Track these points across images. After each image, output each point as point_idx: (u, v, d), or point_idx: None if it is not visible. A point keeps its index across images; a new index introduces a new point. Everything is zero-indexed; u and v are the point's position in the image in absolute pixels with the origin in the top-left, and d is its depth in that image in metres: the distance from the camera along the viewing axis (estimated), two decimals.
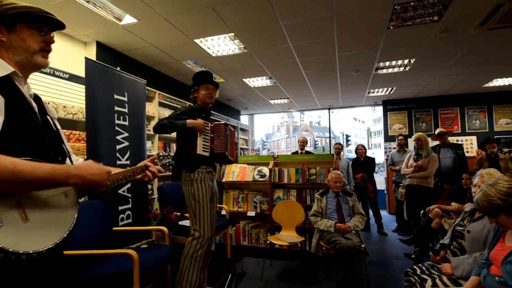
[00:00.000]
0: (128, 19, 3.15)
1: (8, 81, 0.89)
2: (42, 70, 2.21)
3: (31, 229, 0.86)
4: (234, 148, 2.63)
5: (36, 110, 0.99)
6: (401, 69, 4.98)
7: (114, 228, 2.43)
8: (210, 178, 2.39)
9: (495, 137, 4.94)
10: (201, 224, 2.27)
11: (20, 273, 0.86)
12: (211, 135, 2.39)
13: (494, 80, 5.74)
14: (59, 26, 1.05)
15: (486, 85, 6.07)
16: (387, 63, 4.74)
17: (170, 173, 3.90)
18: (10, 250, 0.79)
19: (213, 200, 2.47)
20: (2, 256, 0.78)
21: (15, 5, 0.94)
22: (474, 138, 6.76)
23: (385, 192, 6.85)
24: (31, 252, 0.83)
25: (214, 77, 5.19)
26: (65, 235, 0.93)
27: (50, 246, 0.88)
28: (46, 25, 1.01)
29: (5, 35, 0.94)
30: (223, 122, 2.48)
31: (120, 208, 3.02)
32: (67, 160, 1.06)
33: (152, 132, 2.72)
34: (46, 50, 1.01)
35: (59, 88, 3.04)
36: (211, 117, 2.57)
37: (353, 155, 5.67)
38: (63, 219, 0.95)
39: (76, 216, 0.98)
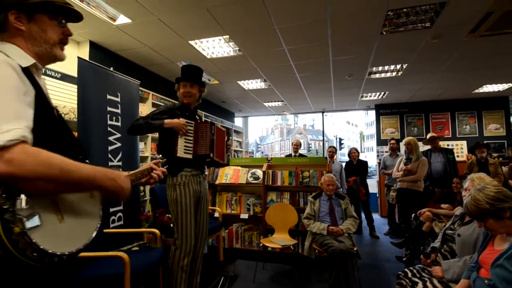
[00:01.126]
0: (122, 19, 3.13)
1: (28, 73, 0.85)
2: None
3: (65, 230, 0.84)
4: (224, 150, 2.45)
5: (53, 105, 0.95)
6: (394, 74, 5.05)
7: (105, 230, 2.40)
8: (196, 182, 2.24)
9: (485, 142, 5.03)
10: (183, 233, 2.13)
11: (40, 273, 0.83)
12: (195, 135, 2.21)
13: (484, 86, 5.86)
14: (77, 18, 1.02)
15: (476, 90, 6.19)
16: (380, 68, 4.81)
17: None
18: (50, 251, 0.75)
19: (202, 204, 2.34)
20: (37, 258, 0.74)
21: None
22: (464, 142, 6.88)
23: (377, 195, 6.92)
24: (66, 253, 0.81)
25: (205, 75, 5.12)
26: (92, 236, 0.92)
27: (81, 247, 0.87)
28: (65, 17, 0.98)
29: (25, 24, 0.90)
30: (209, 121, 2.30)
31: (112, 210, 2.98)
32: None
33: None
34: (64, 42, 0.99)
35: (51, 88, 2.99)
36: (206, 119, 2.47)
37: (346, 159, 5.71)
38: (89, 221, 0.94)
39: (100, 218, 0.98)
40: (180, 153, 2.14)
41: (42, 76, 0.98)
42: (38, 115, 0.82)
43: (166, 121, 2.09)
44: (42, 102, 0.87)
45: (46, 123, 0.86)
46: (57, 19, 0.96)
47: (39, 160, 0.74)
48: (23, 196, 0.73)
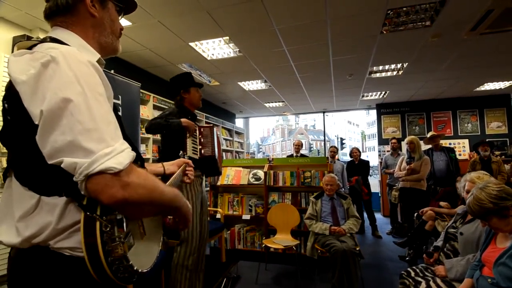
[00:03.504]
0: (123, 22, 3.13)
1: None
2: None
3: (145, 247, 0.79)
4: (220, 153, 2.55)
5: None
6: (394, 73, 5.05)
7: None
8: (199, 183, 2.32)
9: (488, 140, 5.01)
10: (189, 232, 2.19)
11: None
12: (199, 137, 2.32)
13: (485, 84, 5.84)
14: (130, 10, 0.95)
15: (478, 89, 6.17)
16: (381, 67, 4.80)
17: None
18: (139, 271, 0.70)
19: (204, 205, 2.42)
20: (127, 278, 0.68)
21: None
22: (466, 141, 6.86)
23: (380, 194, 6.90)
24: (145, 271, 0.74)
25: (206, 77, 5.18)
26: (159, 250, 0.87)
27: (155, 261, 0.81)
28: (123, 10, 0.92)
29: (99, 11, 0.81)
30: (211, 124, 2.45)
31: None
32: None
33: (146, 135, 2.67)
34: (120, 36, 0.91)
35: None
36: (207, 120, 2.55)
37: (348, 158, 5.71)
38: (159, 234, 0.90)
39: (162, 233, 0.95)
40: (190, 153, 2.22)
41: None
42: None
43: (183, 120, 2.15)
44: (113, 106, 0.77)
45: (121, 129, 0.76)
46: (119, 11, 0.90)
47: (148, 184, 0.68)
48: (121, 217, 0.67)
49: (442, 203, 3.31)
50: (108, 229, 0.63)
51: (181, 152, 1.43)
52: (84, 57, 0.68)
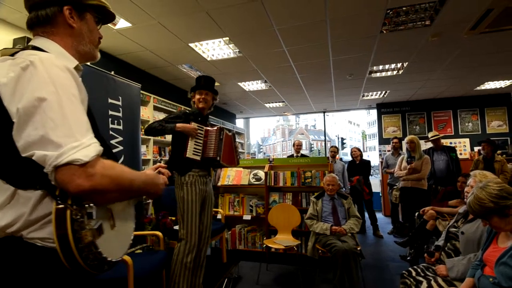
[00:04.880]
0: (123, 23, 3.15)
1: None
2: None
3: (116, 236, 0.84)
4: (234, 153, 2.60)
5: None
6: (394, 72, 5.04)
7: None
8: (202, 182, 2.36)
9: (490, 139, 4.97)
10: (188, 229, 2.24)
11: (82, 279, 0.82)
12: (204, 139, 2.38)
13: (486, 83, 5.84)
14: (109, 21, 1.02)
15: (478, 88, 6.16)
16: (381, 67, 4.80)
17: None
18: (108, 259, 0.75)
19: (207, 205, 2.45)
20: (96, 266, 0.73)
21: None
22: (467, 140, 6.85)
23: (380, 194, 6.89)
24: (115, 260, 0.79)
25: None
26: (131, 239, 0.93)
27: (127, 251, 0.87)
28: (102, 20, 0.99)
29: (77, 22, 0.89)
30: (218, 126, 2.46)
31: None
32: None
33: (147, 137, 2.72)
34: (99, 44, 0.99)
35: None
36: (212, 122, 2.57)
37: (349, 158, 5.70)
38: (130, 224, 0.95)
39: (134, 223, 0.99)
40: (189, 154, 2.28)
41: None
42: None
43: (178, 125, 2.25)
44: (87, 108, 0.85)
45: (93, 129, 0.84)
46: (98, 22, 0.97)
47: (115, 173, 0.75)
48: (93, 206, 0.73)
49: (451, 202, 3.30)
50: (78, 217, 0.69)
51: (159, 158, 1.52)
52: (61, 63, 0.74)
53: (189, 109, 2.55)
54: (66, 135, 0.67)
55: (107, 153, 0.91)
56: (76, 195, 0.68)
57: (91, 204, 0.72)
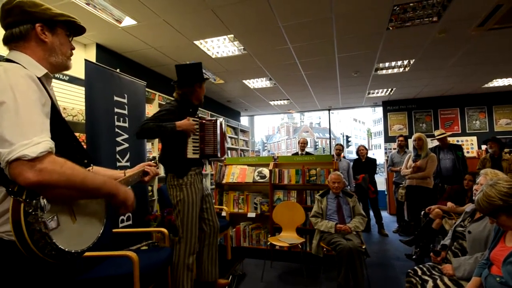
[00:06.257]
0: (128, 21, 3.16)
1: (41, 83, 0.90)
2: None
3: (77, 230, 0.92)
4: (224, 143, 2.48)
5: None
6: (401, 69, 4.99)
7: (114, 230, 2.42)
8: (199, 180, 2.28)
9: (497, 137, 4.89)
10: (188, 231, 2.17)
11: (51, 270, 0.90)
12: (201, 134, 2.24)
13: (494, 80, 5.75)
14: (79, 33, 1.12)
15: (486, 85, 6.07)
16: (387, 64, 4.75)
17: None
18: (66, 250, 0.83)
19: (207, 202, 2.41)
20: (54, 255, 0.81)
21: (62, 13, 1.02)
22: (474, 138, 6.76)
23: (386, 193, 6.85)
24: (79, 251, 0.89)
25: (211, 75, 5.20)
26: (99, 235, 1.00)
27: (90, 245, 0.94)
28: (73, 33, 1.10)
29: (49, 37, 0.99)
30: (213, 119, 2.33)
31: None
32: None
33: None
34: (71, 55, 1.09)
35: (59, 90, 3.05)
36: (212, 118, 2.48)
37: (354, 156, 5.67)
38: (96, 220, 1.01)
39: (105, 217, 1.05)
40: (190, 154, 2.17)
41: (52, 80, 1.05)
42: (52, 124, 0.87)
43: (178, 124, 2.07)
44: (54, 111, 0.92)
45: (58, 130, 0.92)
46: (69, 35, 1.07)
47: (65, 170, 0.82)
48: (44, 200, 0.80)
49: (448, 204, 3.27)
50: (31, 210, 0.77)
51: (151, 156, 1.56)
52: (23, 71, 0.84)
53: (173, 101, 2.29)
54: (18, 134, 0.75)
55: (84, 155, 1.04)
56: (26, 187, 0.76)
57: (44, 199, 0.80)
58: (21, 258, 0.80)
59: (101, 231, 1.02)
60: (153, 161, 1.44)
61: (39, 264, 0.85)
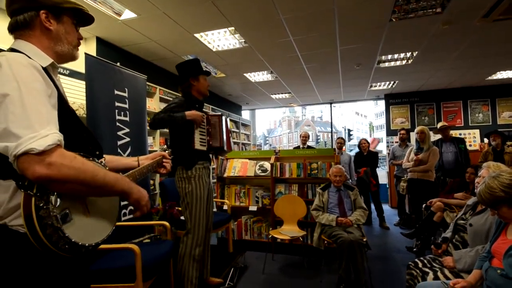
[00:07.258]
0: (128, 14, 3.13)
1: (46, 73, 0.86)
2: None
3: (91, 224, 0.90)
4: (230, 138, 2.54)
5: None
6: (404, 62, 4.94)
7: (117, 223, 2.44)
8: (207, 174, 2.33)
9: (499, 130, 4.85)
10: (195, 223, 2.23)
11: (67, 263, 0.89)
12: (207, 127, 2.30)
13: (498, 72, 5.68)
14: (88, 23, 1.07)
15: (490, 78, 6.01)
16: (389, 56, 4.70)
17: None
18: (80, 244, 0.81)
19: (210, 197, 2.44)
20: (68, 249, 0.80)
21: None
22: (477, 131, 6.72)
23: (387, 186, 6.85)
24: (93, 244, 0.87)
25: (212, 68, 5.19)
26: (113, 228, 1.00)
27: (105, 238, 0.93)
28: (80, 22, 1.05)
29: (54, 25, 0.94)
30: (219, 113, 2.40)
31: (123, 203, 3.03)
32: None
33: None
34: (79, 45, 1.05)
35: None
36: (214, 112, 2.52)
37: (356, 150, 5.66)
38: (110, 214, 1.01)
39: (117, 213, 1.05)
40: (197, 145, 2.21)
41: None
42: (60, 115, 0.84)
43: (187, 113, 2.12)
44: (62, 102, 0.89)
45: (67, 122, 0.88)
46: (76, 24, 1.02)
47: (75, 164, 0.79)
48: (55, 194, 0.79)
49: (457, 195, 3.27)
50: (42, 204, 0.75)
51: (165, 146, 1.53)
52: (28, 61, 0.81)
53: (179, 95, 2.35)
54: (24, 127, 0.73)
55: (96, 147, 1.01)
56: (35, 181, 0.74)
57: (55, 193, 0.78)
58: (37, 251, 0.79)
59: (115, 224, 1.02)
60: (167, 151, 1.40)
61: (55, 257, 0.84)
